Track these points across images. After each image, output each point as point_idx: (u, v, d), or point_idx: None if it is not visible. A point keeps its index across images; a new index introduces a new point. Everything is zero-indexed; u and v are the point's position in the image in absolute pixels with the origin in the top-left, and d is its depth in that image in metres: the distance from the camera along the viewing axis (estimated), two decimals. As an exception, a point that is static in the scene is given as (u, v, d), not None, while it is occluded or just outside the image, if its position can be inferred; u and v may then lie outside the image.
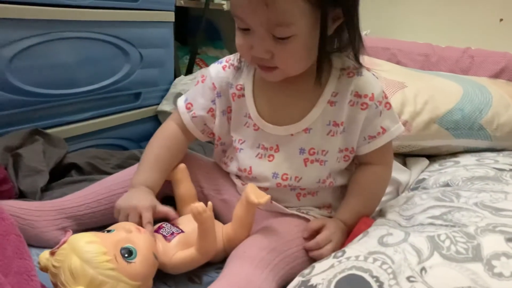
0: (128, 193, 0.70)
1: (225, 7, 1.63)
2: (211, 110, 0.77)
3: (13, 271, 0.49)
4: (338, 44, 0.67)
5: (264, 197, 0.64)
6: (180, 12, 1.39)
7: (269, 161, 0.72)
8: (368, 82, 0.70)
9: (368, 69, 0.72)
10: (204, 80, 0.78)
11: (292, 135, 0.71)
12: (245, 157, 0.74)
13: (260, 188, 0.70)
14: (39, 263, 0.57)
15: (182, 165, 0.76)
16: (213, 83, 0.75)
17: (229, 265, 0.62)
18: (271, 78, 0.67)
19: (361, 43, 0.67)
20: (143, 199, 0.68)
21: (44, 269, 0.57)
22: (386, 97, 0.72)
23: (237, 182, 0.78)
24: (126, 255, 0.58)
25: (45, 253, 0.57)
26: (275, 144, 0.72)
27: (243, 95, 0.73)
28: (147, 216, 0.65)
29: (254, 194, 0.65)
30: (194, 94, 0.79)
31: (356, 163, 0.78)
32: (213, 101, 0.76)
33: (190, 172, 0.77)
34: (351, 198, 0.75)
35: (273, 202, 0.73)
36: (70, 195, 0.76)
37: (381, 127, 0.71)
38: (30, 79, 0.98)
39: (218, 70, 0.76)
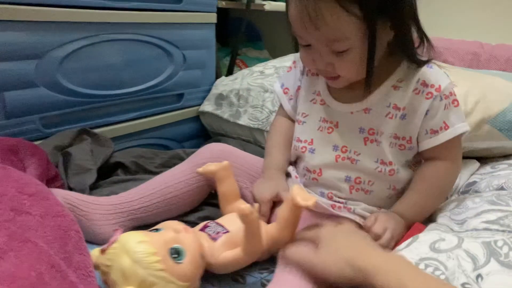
0: (260, 180, 0.78)
1: (266, 8, 1.62)
2: (298, 89, 0.82)
3: (73, 265, 0.50)
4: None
5: (310, 200, 0.63)
6: (221, 13, 1.40)
7: (328, 133, 0.74)
8: (438, 74, 0.70)
9: (439, 67, 0.72)
10: (295, 65, 0.84)
11: (352, 113, 0.72)
12: (307, 129, 0.77)
13: (315, 165, 0.74)
14: None
15: (226, 163, 0.76)
16: (300, 64, 0.81)
17: (278, 274, 0.62)
18: (337, 85, 0.71)
19: (420, 46, 0.69)
20: (267, 188, 0.75)
21: (96, 266, 0.57)
22: (455, 94, 0.71)
23: (293, 172, 0.78)
24: (175, 256, 0.57)
25: (96, 251, 0.58)
26: (335, 120, 0.74)
27: (317, 74, 0.77)
28: (264, 210, 0.73)
29: (301, 196, 0.63)
30: (288, 79, 0.85)
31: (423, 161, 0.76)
32: (300, 80, 0.82)
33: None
34: (410, 191, 0.72)
35: (318, 201, 0.72)
36: (124, 192, 0.80)
37: (444, 122, 0.70)
38: (78, 80, 1.01)
39: None
